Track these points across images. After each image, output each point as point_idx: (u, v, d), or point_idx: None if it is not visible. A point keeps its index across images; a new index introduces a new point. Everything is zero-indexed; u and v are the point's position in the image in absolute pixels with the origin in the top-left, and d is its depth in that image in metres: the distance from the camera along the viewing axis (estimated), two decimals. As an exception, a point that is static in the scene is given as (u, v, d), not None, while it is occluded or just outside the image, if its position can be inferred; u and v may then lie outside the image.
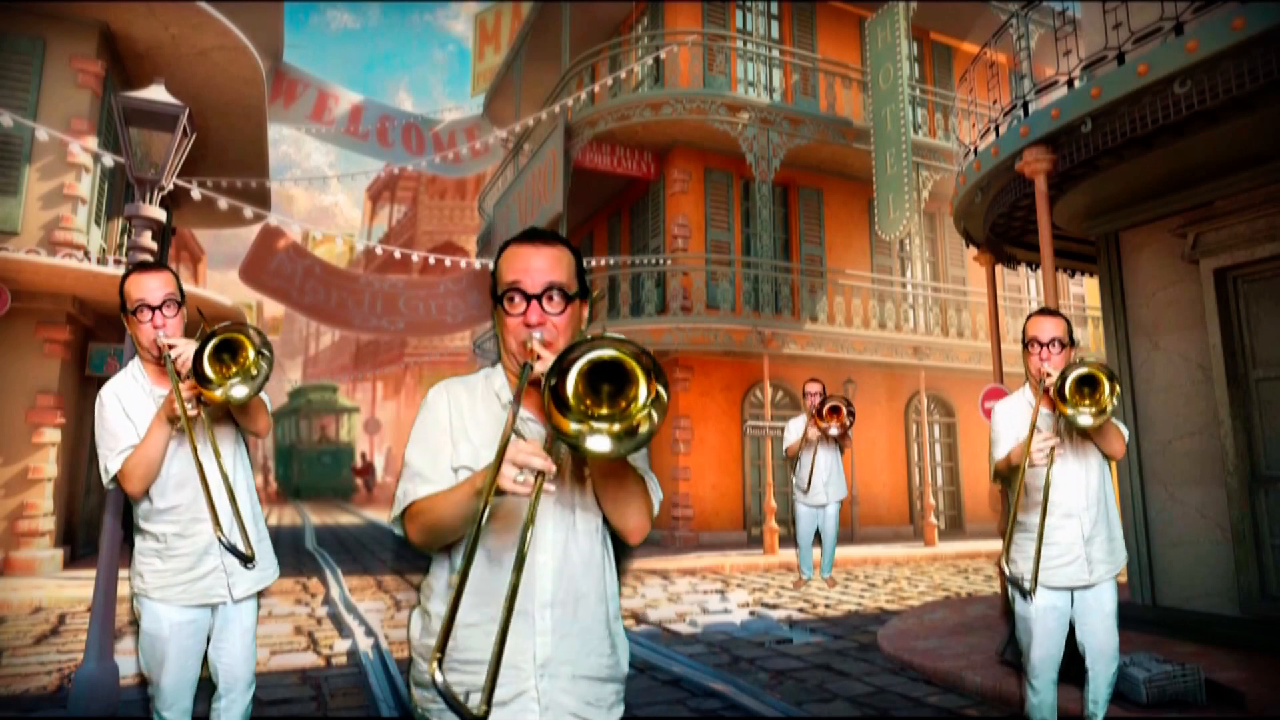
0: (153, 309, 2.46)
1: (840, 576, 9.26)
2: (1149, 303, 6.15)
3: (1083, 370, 2.71)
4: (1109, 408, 2.70)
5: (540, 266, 1.50)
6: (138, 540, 2.50)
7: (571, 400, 1.24)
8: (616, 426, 1.24)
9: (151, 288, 2.48)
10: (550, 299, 1.48)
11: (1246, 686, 4.11)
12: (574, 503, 1.51)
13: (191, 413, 2.37)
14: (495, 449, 1.37)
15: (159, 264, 2.62)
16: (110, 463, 2.42)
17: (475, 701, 1.16)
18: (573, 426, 1.23)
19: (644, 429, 1.24)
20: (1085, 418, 2.71)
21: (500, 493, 1.27)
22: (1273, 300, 5.42)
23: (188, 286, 2.84)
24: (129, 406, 2.49)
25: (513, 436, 1.29)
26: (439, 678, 1.15)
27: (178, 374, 2.38)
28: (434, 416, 1.54)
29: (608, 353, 1.24)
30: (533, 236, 1.55)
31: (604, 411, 1.25)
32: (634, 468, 1.47)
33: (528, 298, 1.47)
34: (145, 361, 2.56)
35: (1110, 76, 4.82)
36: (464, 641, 1.43)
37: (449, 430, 1.52)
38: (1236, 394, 5.48)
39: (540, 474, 1.27)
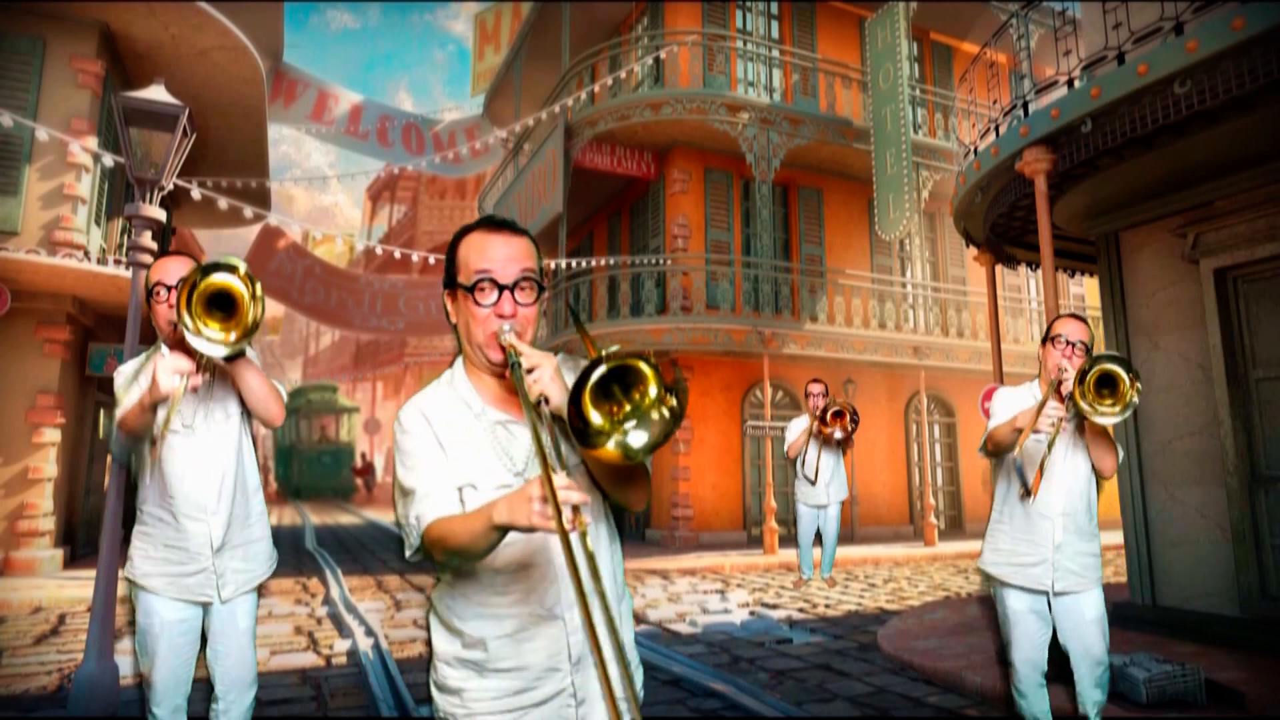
0: (169, 288, 2.47)
1: (840, 576, 9.26)
2: (1149, 303, 6.15)
3: (1101, 368, 2.68)
4: (1132, 399, 2.66)
5: (512, 255, 1.46)
6: (136, 525, 2.52)
7: (600, 423, 1.24)
8: (644, 418, 1.25)
9: (170, 270, 2.51)
10: (523, 289, 1.45)
11: (1246, 686, 4.11)
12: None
13: (191, 382, 2.31)
14: (479, 461, 1.40)
15: (182, 253, 2.65)
16: (117, 411, 2.46)
17: None
18: (610, 446, 1.23)
19: (671, 405, 1.25)
20: (1108, 417, 2.69)
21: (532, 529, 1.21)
22: (1273, 300, 5.42)
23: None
24: (142, 383, 2.50)
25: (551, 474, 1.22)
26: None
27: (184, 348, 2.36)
28: (418, 439, 1.46)
29: (601, 369, 1.23)
30: (499, 225, 1.49)
31: (629, 409, 1.26)
32: None
33: (500, 288, 1.44)
34: (167, 345, 2.57)
35: (1110, 76, 4.82)
36: (497, 651, 1.43)
37: (437, 443, 1.46)
38: (1236, 394, 5.48)
39: (576, 509, 1.19)
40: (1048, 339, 2.98)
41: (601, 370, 1.23)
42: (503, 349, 1.43)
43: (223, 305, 2.24)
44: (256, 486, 2.65)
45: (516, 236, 1.49)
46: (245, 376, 2.49)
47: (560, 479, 1.19)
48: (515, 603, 1.42)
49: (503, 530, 1.24)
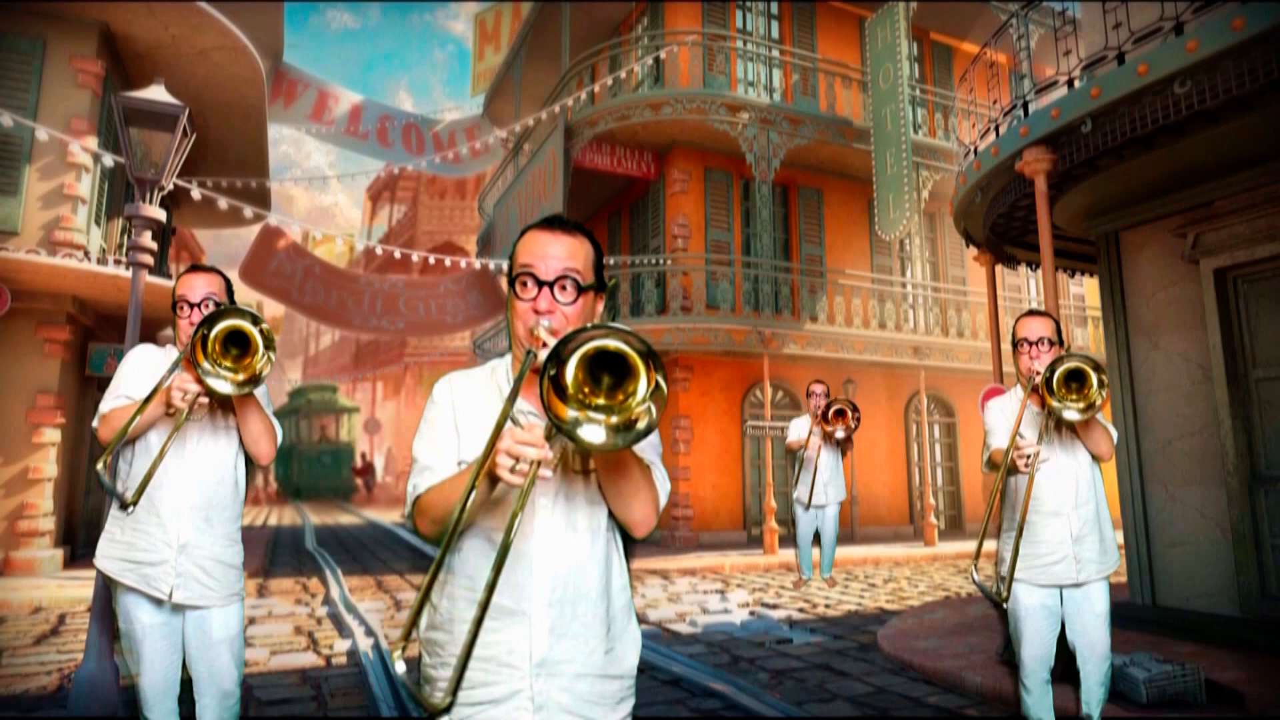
0: (191, 305, 2.55)
1: (840, 576, 9.27)
2: (1149, 303, 6.15)
3: (1070, 364, 2.71)
4: (1096, 402, 2.70)
5: (556, 253, 1.46)
6: (111, 510, 2.52)
7: (570, 388, 1.21)
8: (614, 419, 1.22)
9: (195, 286, 2.57)
10: (563, 287, 1.45)
11: (1246, 686, 4.11)
12: (575, 499, 1.48)
13: (183, 403, 2.38)
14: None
15: (212, 268, 2.68)
16: (104, 404, 2.48)
17: (440, 696, 1.16)
18: (569, 414, 1.20)
19: (641, 424, 1.21)
20: (1072, 412, 2.72)
21: (494, 479, 1.27)
22: (1273, 300, 5.42)
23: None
24: (148, 370, 2.53)
25: (508, 425, 1.26)
26: (399, 667, 1.15)
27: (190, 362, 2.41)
28: (438, 411, 1.52)
29: (612, 343, 1.21)
30: (554, 224, 1.51)
31: (601, 402, 1.23)
32: (639, 458, 1.44)
33: (540, 284, 1.45)
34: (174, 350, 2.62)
35: (1110, 76, 4.82)
36: (461, 636, 1.41)
37: (454, 423, 1.51)
38: (1236, 394, 5.48)
39: (535, 463, 1.25)
40: (1015, 345, 3.01)
41: (606, 343, 1.21)
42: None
43: (238, 343, 2.39)
44: (237, 515, 2.63)
45: (567, 235, 1.50)
46: (247, 409, 2.53)
47: (521, 433, 1.25)
48: (480, 588, 1.41)
49: (475, 486, 1.29)
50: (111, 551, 2.48)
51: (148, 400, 2.38)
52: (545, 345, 1.37)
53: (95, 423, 2.49)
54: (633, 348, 1.22)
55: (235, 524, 2.62)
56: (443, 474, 1.45)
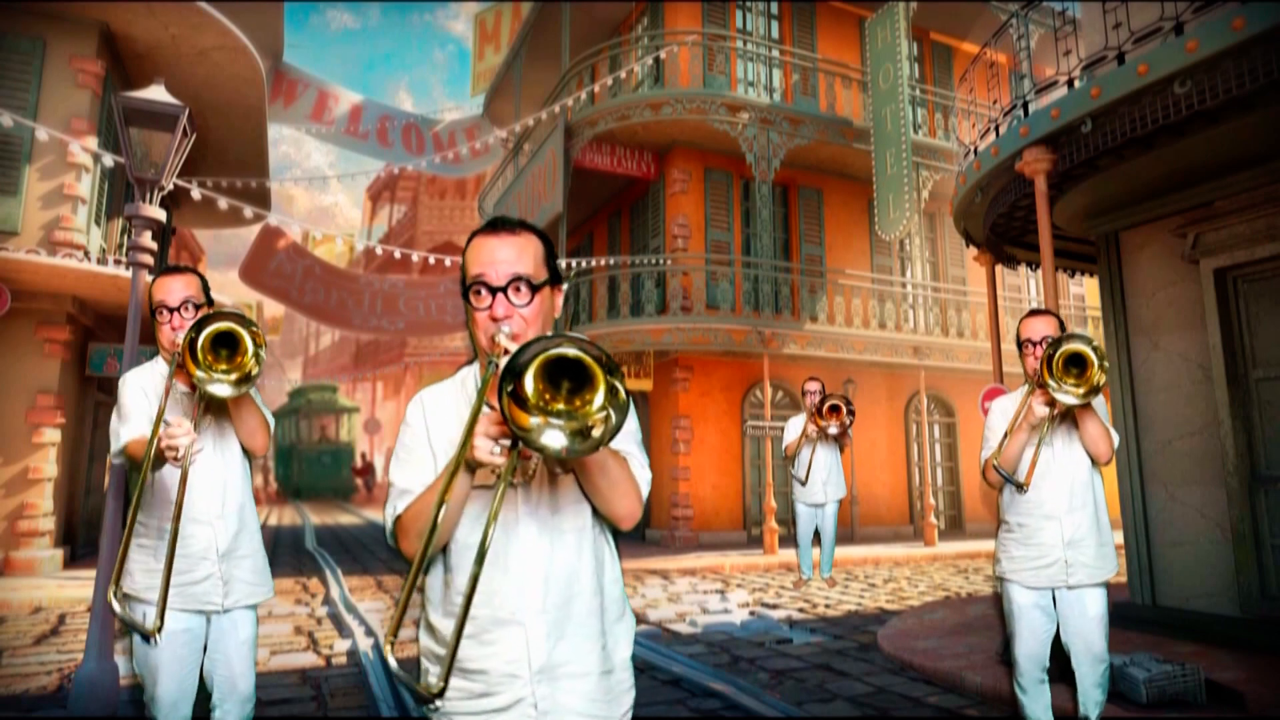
0: (171, 310, 2.51)
1: (840, 576, 9.27)
2: (1149, 303, 6.15)
3: (1072, 346, 2.69)
4: (1097, 382, 2.68)
5: (505, 257, 1.45)
6: (134, 539, 2.46)
7: (531, 396, 1.22)
8: (574, 424, 1.22)
9: (172, 290, 2.52)
10: (517, 290, 1.44)
11: (1246, 686, 4.11)
12: (556, 501, 1.48)
13: (180, 456, 2.29)
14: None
15: (185, 268, 2.64)
16: (124, 433, 2.44)
17: (434, 682, 1.25)
18: (531, 421, 1.21)
19: (597, 432, 1.22)
20: (1070, 397, 2.70)
21: (470, 470, 1.30)
22: (1273, 300, 5.42)
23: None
24: (148, 391, 2.51)
25: (484, 410, 1.28)
26: (391, 661, 1.21)
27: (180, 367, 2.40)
28: (413, 432, 1.51)
29: (568, 350, 1.21)
30: (497, 226, 1.50)
31: (561, 407, 1.23)
32: (614, 451, 1.43)
33: (493, 291, 1.44)
34: (167, 362, 2.58)
35: (1110, 76, 4.82)
36: (463, 652, 1.42)
37: (429, 443, 1.50)
38: (1236, 394, 5.48)
39: (514, 448, 1.26)
40: (1019, 345, 3.00)
41: (564, 350, 1.21)
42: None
43: (228, 344, 2.35)
44: (254, 506, 2.67)
45: (512, 235, 1.49)
46: (240, 404, 2.52)
47: (497, 415, 1.26)
48: (477, 605, 1.41)
49: (464, 476, 1.32)
50: (152, 581, 2.39)
51: (155, 432, 2.32)
52: (507, 351, 1.36)
53: (116, 456, 2.46)
54: (588, 354, 1.22)
55: (256, 516, 2.67)
56: (419, 493, 1.45)
